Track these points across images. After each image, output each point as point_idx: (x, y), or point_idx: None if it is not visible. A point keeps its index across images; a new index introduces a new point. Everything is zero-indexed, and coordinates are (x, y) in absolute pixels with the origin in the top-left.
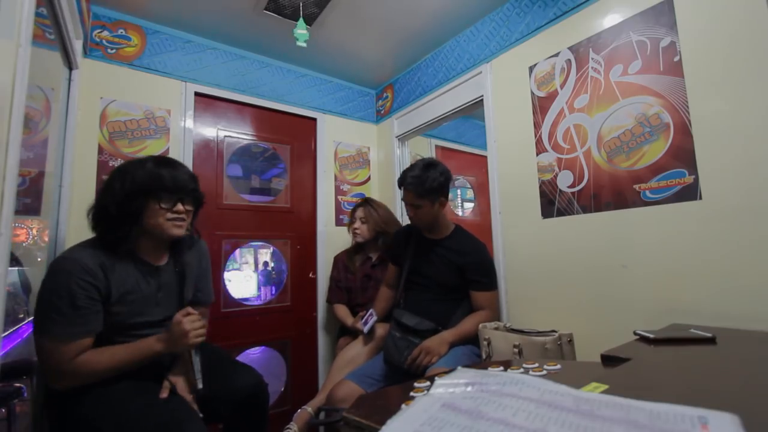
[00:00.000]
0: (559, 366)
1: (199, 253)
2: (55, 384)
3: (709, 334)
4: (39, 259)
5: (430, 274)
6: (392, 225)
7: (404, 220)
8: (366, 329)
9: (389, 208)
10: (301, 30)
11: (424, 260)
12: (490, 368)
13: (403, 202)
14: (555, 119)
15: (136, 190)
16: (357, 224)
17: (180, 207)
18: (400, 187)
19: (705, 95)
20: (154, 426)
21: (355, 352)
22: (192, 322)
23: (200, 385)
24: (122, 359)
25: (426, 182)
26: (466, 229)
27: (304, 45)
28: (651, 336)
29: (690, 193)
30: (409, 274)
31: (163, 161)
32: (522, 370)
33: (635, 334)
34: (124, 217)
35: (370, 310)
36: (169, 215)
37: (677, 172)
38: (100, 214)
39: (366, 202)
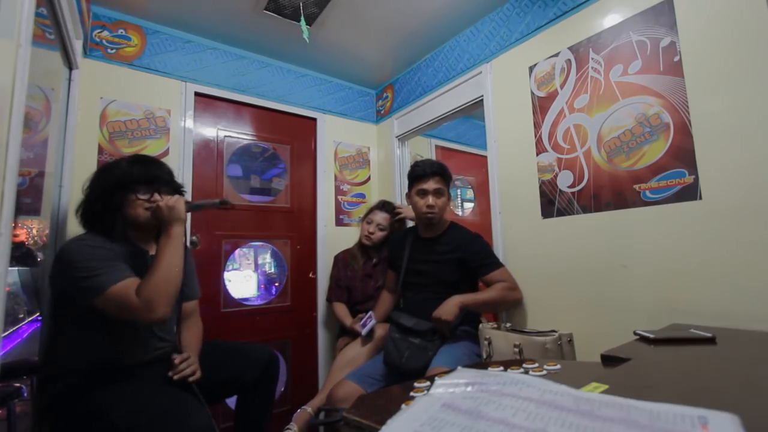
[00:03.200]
0: (559, 366)
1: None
2: (154, 317)
3: (709, 334)
4: (39, 259)
5: (427, 272)
6: None
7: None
8: (364, 332)
9: None
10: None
11: (422, 259)
12: (490, 368)
13: (416, 198)
14: (555, 119)
15: (113, 185)
16: (373, 229)
17: (157, 197)
18: (419, 177)
19: (705, 95)
20: (161, 414)
21: (355, 352)
22: (168, 199)
23: (217, 201)
24: (165, 261)
25: (447, 169)
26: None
27: (306, 40)
28: (651, 336)
29: (690, 193)
30: (406, 274)
31: (138, 158)
32: (522, 370)
33: (635, 334)
34: (107, 211)
35: (369, 313)
36: (147, 205)
37: (677, 172)
38: (87, 210)
39: (387, 209)
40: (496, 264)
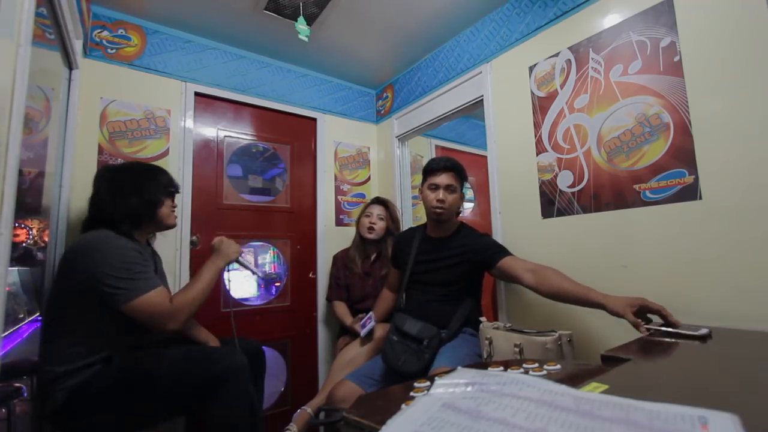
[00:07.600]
0: (559, 366)
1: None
2: (175, 326)
3: (705, 331)
4: (39, 259)
5: (434, 272)
6: (400, 227)
7: (405, 224)
8: (363, 333)
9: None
10: (302, 25)
11: (427, 260)
12: (490, 368)
13: (427, 192)
14: (555, 119)
15: (162, 189)
16: (374, 219)
17: (175, 202)
18: (432, 171)
19: (705, 95)
20: (200, 357)
21: (355, 352)
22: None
23: (260, 274)
24: (203, 282)
25: (461, 167)
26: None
27: (306, 39)
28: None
29: (690, 193)
30: (411, 275)
31: (161, 168)
32: (522, 370)
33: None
34: (145, 211)
35: (369, 314)
36: (173, 208)
37: (677, 172)
38: (121, 209)
39: (382, 201)
40: (507, 251)
